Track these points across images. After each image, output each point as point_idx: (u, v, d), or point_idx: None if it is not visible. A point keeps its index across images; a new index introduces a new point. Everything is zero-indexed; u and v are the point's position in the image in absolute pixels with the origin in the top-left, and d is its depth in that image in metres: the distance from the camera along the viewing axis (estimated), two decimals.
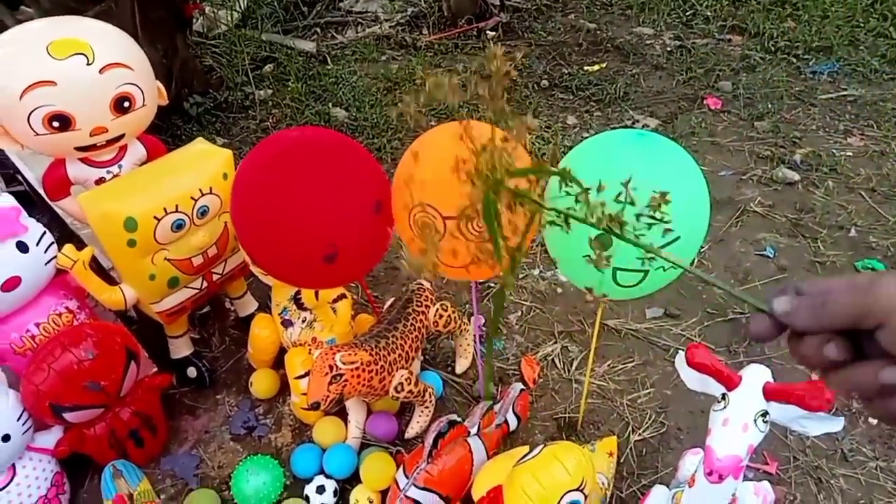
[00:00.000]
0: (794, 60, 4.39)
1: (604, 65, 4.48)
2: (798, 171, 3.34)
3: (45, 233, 1.93)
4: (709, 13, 5.03)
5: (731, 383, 1.37)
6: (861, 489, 2.00)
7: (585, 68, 4.43)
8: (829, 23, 4.74)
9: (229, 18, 4.89)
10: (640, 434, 2.18)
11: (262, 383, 2.30)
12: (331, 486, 1.98)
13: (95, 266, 2.03)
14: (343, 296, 2.15)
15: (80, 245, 1.96)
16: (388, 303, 2.21)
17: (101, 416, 1.97)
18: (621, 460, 2.07)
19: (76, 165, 2.02)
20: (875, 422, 2.18)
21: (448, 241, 1.52)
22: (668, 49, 4.67)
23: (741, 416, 1.33)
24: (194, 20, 4.58)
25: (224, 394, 2.37)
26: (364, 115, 3.94)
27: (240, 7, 4.99)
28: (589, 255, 1.40)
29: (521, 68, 4.50)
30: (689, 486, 1.45)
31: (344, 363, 1.80)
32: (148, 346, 2.19)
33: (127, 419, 2.02)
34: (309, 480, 2.00)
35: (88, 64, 1.80)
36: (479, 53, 4.73)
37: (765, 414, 1.34)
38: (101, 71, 1.82)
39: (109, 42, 1.88)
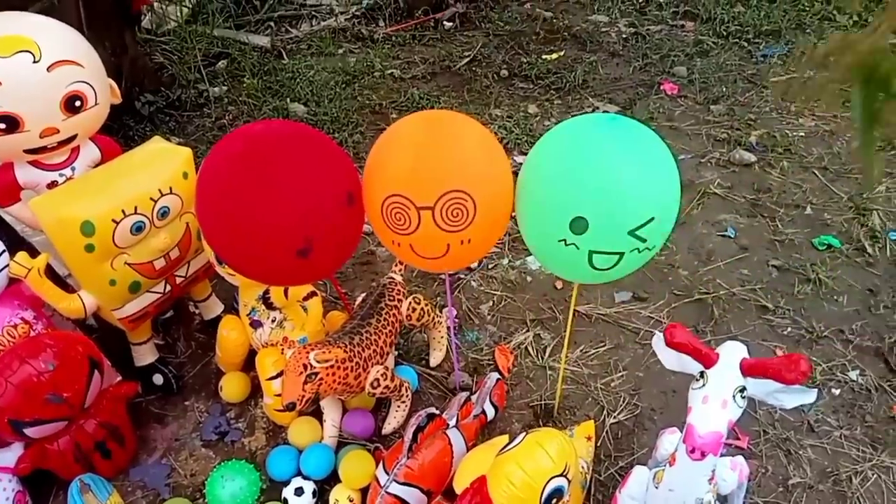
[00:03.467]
0: (746, 44, 4.50)
1: (562, 53, 4.51)
2: (754, 152, 3.43)
3: None
4: (661, 0, 5.11)
5: (709, 361, 1.39)
6: (828, 458, 2.07)
7: (544, 57, 4.45)
8: (776, 7, 4.87)
9: (179, 14, 4.74)
10: (614, 417, 2.20)
11: (232, 386, 2.24)
12: (309, 487, 1.94)
13: (50, 273, 1.94)
14: (313, 293, 2.11)
15: (32, 253, 1.87)
16: (360, 298, 2.18)
17: (64, 429, 1.89)
18: (598, 443, 2.09)
19: (26, 169, 1.93)
20: (838, 392, 2.25)
21: (422, 231, 1.50)
22: (624, 36, 4.73)
23: (720, 392, 1.35)
24: (142, 16, 4.43)
25: (193, 399, 2.30)
26: (323, 110, 3.88)
27: (189, 2, 4.84)
28: (564, 240, 1.41)
29: (480, 58, 4.49)
30: (670, 465, 1.47)
31: (318, 361, 1.77)
32: (111, 355, 2.10)
33: (92, 431, 1.94)
34: (286, 483, 1.96)
35: (35, 61, 1.72)
36: (437, 45, 4.71)
37: (743, 389, 1.36)
38: (48, 69, 1.74)
39: (56, 38, 1.80)
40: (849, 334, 2.45)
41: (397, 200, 1.48)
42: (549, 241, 1.47)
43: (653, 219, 1.37)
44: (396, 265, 2.24)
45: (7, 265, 1.83)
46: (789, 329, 2.48)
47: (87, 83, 1.85)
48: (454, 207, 1.47)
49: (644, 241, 1.41)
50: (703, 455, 1.34)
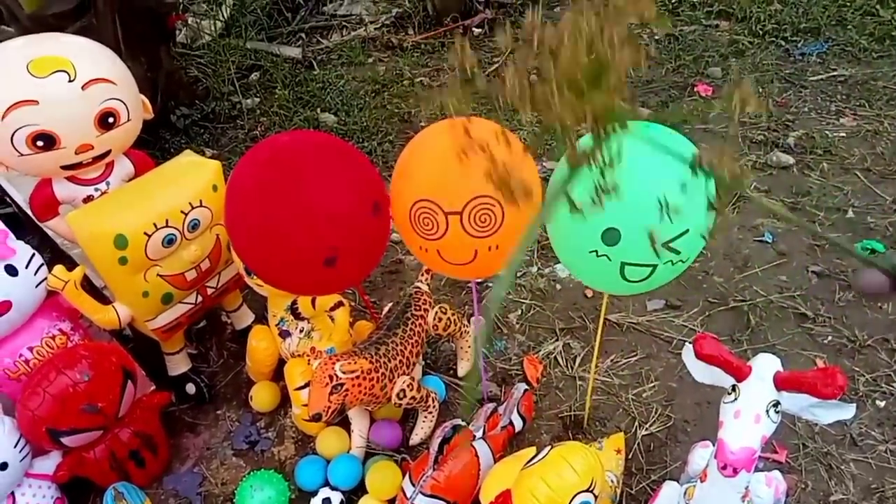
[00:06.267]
0: (783, 43, 4.37)
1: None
2: (792, 154, 3.32)
3: (34, 255, 1.90)
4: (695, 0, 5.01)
5: (741, 374, 1.34)
6: (872, 473, 1.99)
7: None
8: (815, 3, 4.72)
9: (213, 28, 4.84)
10: (646, 429, 2.15)
11: (262, 396, 2.27)
12: (336, 497, 1.95)
13: (87, 286, 2.00)
14: (340, 303, 2.12)
15: (71, 265, 1.93)
16: (387, 308, 2.18)
17: (100, 438, 1.94)
18: (629, 456, 2.05)
19: (63, 184, 1.98)
20: (883, 404, 2.16)
21: (450, 236, 1.50)
22: (656, 37, 4.64)
23: (753, 407, 1.30)
24: (177, 32, 4.53)
25: (224, 409, 2.34)
26: (353, 119, 3.91)
27: (223, 16, 4.94)
28: (596, 251, 1.38)
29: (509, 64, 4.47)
30: (702, 481, 1.43)
31: (344, 372, 1.77)
32: (145, 365, 2.16)
33: (127, 440, 1.98)
34: (314, 493, 1.97)
35: (70, 81, 1.76)
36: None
37: (777, 404, 1.31)
38: (83, 87, 1.78)
39: (91, 58, 1.84)
40: (894, 343, 2.34)
41: (425, 205, 1.48)
42: (581, 252, 1.45)
43: (687, 231, 1.33)
44: (423, 274, 2.23)
45: (45, 278, 1.89)
46: (830, 338, 2.39)
47: (120, 100, 1.89)
48: (482, 213, 1.46)
49: (678, 252, 1.37)
50: (736, 472, 1.30)
